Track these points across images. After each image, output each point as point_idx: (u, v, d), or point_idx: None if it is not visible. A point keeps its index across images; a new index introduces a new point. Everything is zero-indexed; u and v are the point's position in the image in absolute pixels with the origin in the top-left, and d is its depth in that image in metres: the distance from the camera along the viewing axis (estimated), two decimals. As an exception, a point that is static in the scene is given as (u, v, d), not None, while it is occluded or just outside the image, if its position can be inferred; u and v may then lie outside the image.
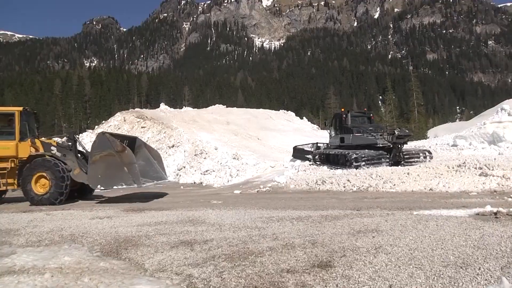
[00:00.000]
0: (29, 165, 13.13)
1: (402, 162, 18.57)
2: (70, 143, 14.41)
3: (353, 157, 17.70)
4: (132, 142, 15.18)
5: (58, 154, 13.71)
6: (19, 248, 6.17)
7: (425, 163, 16.66)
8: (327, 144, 22.70)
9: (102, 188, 13.00)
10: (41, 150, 13.79)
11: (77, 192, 14.89)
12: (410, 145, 22.78)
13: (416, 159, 18.68)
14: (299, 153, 24.29)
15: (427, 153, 19.17)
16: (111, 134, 13.74)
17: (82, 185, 14.06)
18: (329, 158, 20.47)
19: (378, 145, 18.72)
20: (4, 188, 13.87)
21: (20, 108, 14.17)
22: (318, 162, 21.31)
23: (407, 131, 19.73)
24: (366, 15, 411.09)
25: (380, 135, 19.01)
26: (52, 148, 13.97)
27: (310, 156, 22.55)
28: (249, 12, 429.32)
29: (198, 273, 4.52)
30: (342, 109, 22.45)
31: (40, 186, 13.07)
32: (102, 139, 12.91)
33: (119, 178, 12.61)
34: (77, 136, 14.99)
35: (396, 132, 18.42)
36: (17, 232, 7.69)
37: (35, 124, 15.63)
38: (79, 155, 14.20)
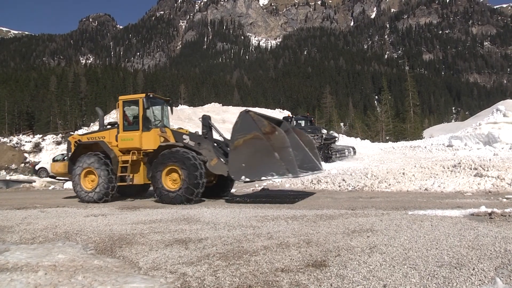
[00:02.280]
0: (158, 157, 11.64)
1: (333, 157, 24.12)
2: (204, 131, 12.60)
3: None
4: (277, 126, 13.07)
5: (191, 143, 12.06)
6: (12, 245, 6.13)
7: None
8: None
9: (246, 179, 10.91)
10: (172, 140, 12.23)
11: (215, 188, 13.04)
12: (342, 144, 28.13)
13: (343, 155, 24.37)
14: None
15: (351, 149, 25.37)
16: (257, 113, 11.09)
17: (220, 179, 12.63)
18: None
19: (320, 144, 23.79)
20: (130, 182, 12.54)
21: (143, 95, 12.65)
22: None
23: (334, 135, 25.99)
24: (363, 15, 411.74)
25: (316, 136, 23.86)
26: (184, 137, 12.36)
27: None
28: (245, 10, 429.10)
29: (192, 271, 4.51)
30: (289, 114, 28.91)
31: (171, 181, 11.42)
32: (246, 119, 10.70)
33: (269, 166, 10.25)
34: (211, 122, 12.82)
35: (324, 135, 24.48)
36: (10, 229, 7.64)
37: (166, 112, 13.96)
38: (215, 144, 12.49)
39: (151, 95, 12.89)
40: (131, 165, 12.43)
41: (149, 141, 12.43)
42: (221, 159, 11.70)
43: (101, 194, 12.24)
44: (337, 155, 24.25)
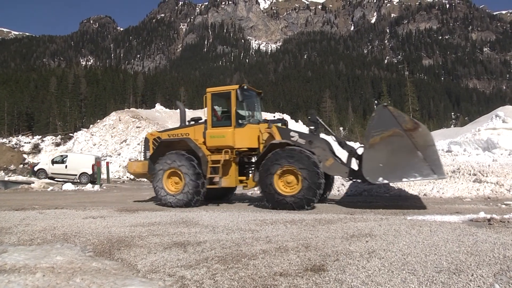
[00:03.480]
0: (269, 157, 10.32)
1: None
2: (313, 127, 11.49)
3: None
4: None
5: (301, 141, 10.83)
6: (10, 246, 6.12)
7: None
8: None
9: (384, 181, 9.97)
10: (278, 138, 10.90)
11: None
12: None
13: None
14: None
15: None
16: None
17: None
18: None
19: None
20: (220, 185, 11.29)
21: (236, 86, 11.38)
22: None
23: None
24: (363, 20, 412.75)
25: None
26: (292, 134, 11.04)
27: None
28: (246, 14, 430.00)
29: (190, 274, 4.50)
30: (265, 117, 30.75)
31: (285, 184, 10.22)
32: (384, 114, 9.83)
33: (411, 166, 9.35)
34: (319, 118, 11.66)
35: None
36: (9, 230, 7.63)
37: (258, 106, 12.82)
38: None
39: (245, 87, 11.80)
40: (216, 166, 11.25)
41: (243, 138, 11.20)
42: (337, 160, 10.81)
43: (188, 197, 11.08)
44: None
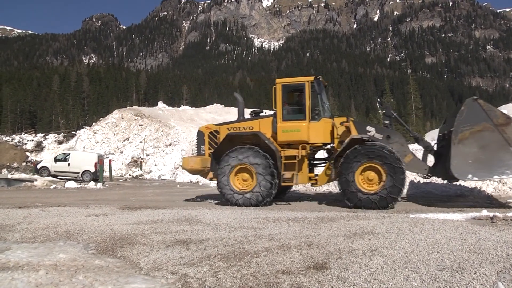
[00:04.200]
0: (349, 153, 9.78)
1: None
2: (387, 122, 10.99)
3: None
4: None
5: (378, 136, 10.28)
6: (13, 244, 6.14)
7: None
8: None
9: (474, 178, 9.56)
10: (354, 133, 10.23)
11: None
12: None
13: None
14: None
15: None
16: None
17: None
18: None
19: None
20: (293, 182, 10.80)
21: (311, 78, 10.81)
22: None
23: None
24: (366, 18, 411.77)
25: None
26: (369, 129, 10.43)
27: None
28: (249, 12, 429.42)
29: (193, 272, 4.50)
30: (255, 110, 32.96)
31: (366, 182, 9.73)
32: (473, 108, 9.40)
33: (503, 163, 8.94)
34: (393, 112, 11.14)
35: None
36: (12, 228, 7.65)
37: (327, 99, 12.10)
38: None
39: (320, 78, 11.17)
40: (292, 162, 10.63)
41: (318, 133, 10.58)
42: (415, 156, 10.42)
43: (260, 196, 10.37)
44: None
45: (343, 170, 9.75)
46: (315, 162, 11.90)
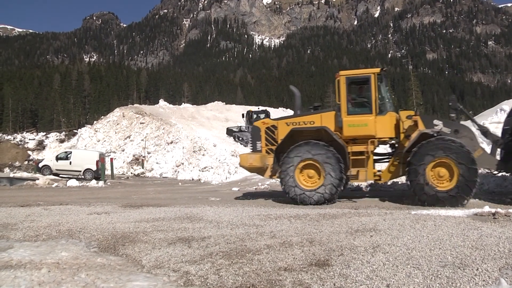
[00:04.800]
0: (420, 148, 9.33)
1: None
2: (453, 115, 10.50)
3: (242, 137, 31.68)
4: None
5: (446, 130, 9.82)
6: (16, 242, 6.15)
7: None
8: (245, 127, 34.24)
9: None
10: (421, 127, 9.85)
11: None
12: None
13: None
14: (229, 133, 35.26)
15: None
16: None
17: None
18: (239, 137, 33.22)
19: None
20: (359, 179, 10.48)
21: (377, 70, 10.47)
22: (238, 139, 32.96)
23: None
24: (367, 14, 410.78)
25: None
26: (436, 122, 9.98)
27: (236, 134, 33.85)
28: (249, 9, 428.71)
29: (195, 270, 4.51)
30: (250, 109, 37.74)
31: (437, 178, 9.25)
32: None
33: None
34: (459, 105, 10.72)
35: None
36: (14, 226, 7.66)
37: (388, 92, 11.39)
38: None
39: (386, 70, 10.74)
40: (360, 158, 10.26)
41: (385, 127, 10.19)
42: (485, 150, 9.96)
43: (327, 193, 9.93)
44: None
45: (414, 165, 9.31)
46: (375, 157, 11.31)
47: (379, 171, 10.65)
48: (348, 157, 10.10)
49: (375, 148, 10.47)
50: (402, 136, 10.16)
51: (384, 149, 11.98)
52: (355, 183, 13.96)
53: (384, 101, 10.57)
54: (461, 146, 9.10)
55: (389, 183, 13.64)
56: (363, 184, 14.01)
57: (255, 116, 34.54)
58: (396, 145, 10.69)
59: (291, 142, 10.36)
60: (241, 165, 11.47)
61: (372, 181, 11.64)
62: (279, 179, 10.64)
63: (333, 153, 9.88)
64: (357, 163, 10.19)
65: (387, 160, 11.00)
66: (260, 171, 11.35)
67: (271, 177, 11.40)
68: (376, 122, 10.08)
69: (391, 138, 10.64)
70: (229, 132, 35.43)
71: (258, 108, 41.55)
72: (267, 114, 35.12)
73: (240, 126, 35.67)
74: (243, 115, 36.62)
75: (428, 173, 9.22)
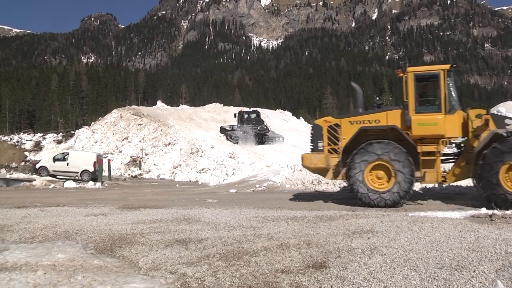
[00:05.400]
0: (491, 150, 8.85)
1: (266, 142, 33.38)
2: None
3: (233, 136, 33.47)
4: None
5: None
6: (12, 244, 6.13)
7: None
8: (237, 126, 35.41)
9: None
10: (492, 127, 9.38)
11: None
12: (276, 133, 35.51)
13: (272, 140, 33.72)
14: (223, 131, 36.11)
15: (281, 137, 34.29)
16: None
17: None
18: (230, 135, 34.07)
19: (255, 133, 33.04)
20: (427, 181, 10.07)
21: (447, 66, 9.95)
22: (229, 138, 33.87)
23: (265, 127, 34.15)
24: (364, 16, 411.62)
25: (260, 126, 33.93)
26: (508, 121, 9.59)
27: (228, 133, 34.76)
28: (247, 11, 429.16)
29: (192, 272, 4.50)
30: (242, 109, 39.11)
31: (509, 179, 8.81)
32: None
33: None
34: None
35: (258, 127, 33.55)
36: (10, 228, 7.63)
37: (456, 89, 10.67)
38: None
39: (455, 67, 10.31)
40: (430, 159, 9.81)
41: (454, 126, 9.75)
42: None
43: (398, 196, 9.49)
44: (270, 141, 33.57)
45: (487, 166, 8.83)
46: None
47: (444, 172, 10.19)
48: (419, 158, 9.73)
49: (442, 149, 10.01)
50: (470, 135, 9.68)
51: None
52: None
53: (452, 99, 10.12)
54: None
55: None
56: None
57: (246, 116, 35.96)
58: (463, 145, 10.31)
59: (359, 141, 9.98)
60: (304, 166, 11.02)
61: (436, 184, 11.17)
62: (342, 180, 10.38)
63: (406, 154, 9.51)
64: (425, 164, 9.80)
65: (452, 160, 10.60)
66: (323, 172, 10.88)
67: (333, 178, 10.99)
68: (446, 121, 9.66)
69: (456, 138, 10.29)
70: (222, 130, 36.20)
71: (249, 109, 42.66)
72: (258, 114, 37.10)
73: (233, 125, 36.28)
74: (235, 114, 37.25)
75: (502, 175, 8.78)
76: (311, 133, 11.25)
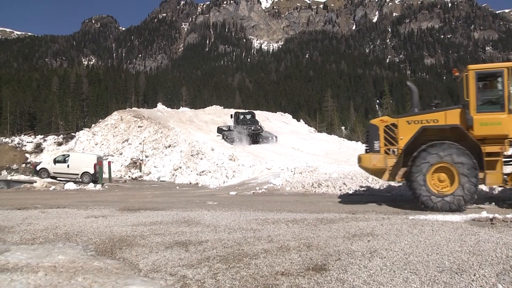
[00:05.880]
0: None
1: (260, 141, 34.46)
2: None
3: (229, 136, 34.41)
4: None
5: None
6: (13, 245, 6.13)
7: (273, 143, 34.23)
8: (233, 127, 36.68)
9: None
10: None
11: None
12: (270, 132, 36.56)
13: (267, 140, 34.63)
14: (220, 131, 36.70)
15: (274, 137, 35.12)
16: None
17: None
18: (226, 135, 34.98)
19: (249, 133, 34.43)
20: (487, 183, 9.69)
21: (510, 64, 9.60)
22: (225, 138, 34.80)
23: (258, 128, 35.30)
24: (365, 19, 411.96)
25: (255, 126, 35.13)
26: None
27: (225, 133, 35.65)
28: (248, 13, 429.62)
29: (192, 274, 4.50)
30: (238, 110, 41.06)
31: None
32: None
33: None
34: None
35: (253, 128, 34.74)
36: (11, 229, 7.64)
37: None
38: None
39: None
40: (494, 160, 9.41)
41: None
42: None
43: (463, 200, 9.09)
44: (264, 140, 34.57)
45: None
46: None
47: (505, 174, 9.71)
48: (482, 159, 9.34)
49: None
50: None
51: None
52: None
53: None
54: None
55: (384, 186, 13.67)
56: (363, 187, 14.02)
57: (242, 116, 37.38)
58: None
59: (416, 141, 9.71)
60: (363, 166, 10.63)
61: (497, 186, 10.89)
62: (400, 182, 10.06)
63: (469, 156, 9.16)
64: (491, 165, 9.42)
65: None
66: (380, 173, 10.49)
67: (389, 180, 10.69)
68: (510, 120, 9.30)
69: None
70: (219, 130, 37.07)
71: (245, 110, 44.22)
72: (253, 115, 38.32)
73: (229, 126, 37.39)
74: (231, 115, 38.46)
75: None
76: (366, 133, 10.93)
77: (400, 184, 13.28)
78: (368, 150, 10.66)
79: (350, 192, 13.96)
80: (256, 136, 34.67)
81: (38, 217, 9.31)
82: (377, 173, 10.63)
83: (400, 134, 10.16)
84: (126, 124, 41.36)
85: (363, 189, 13.91)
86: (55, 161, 26.80)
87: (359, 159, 10.61)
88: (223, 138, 35.26)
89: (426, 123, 9.82)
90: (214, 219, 8.45)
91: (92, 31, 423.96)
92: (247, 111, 42.22)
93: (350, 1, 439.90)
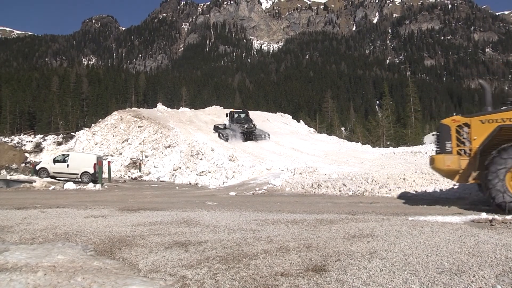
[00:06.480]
0: None
1: (253, 139, 35.33)
2: None
3: (224, 134, 35.48)
4: None
5: None
6: (12, 245, 6.12)
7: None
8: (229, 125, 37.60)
9: None
10: None
11: None
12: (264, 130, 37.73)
13: (260, 137, 35.60)
14: (216, 129, 37.81)
15: (267, 135, 36.43)
16: None
17: None
18: (222, 133, 36.00)
19: (242, 130, 35.57)
20: None
21: None
22: (220, 135, 35.99)
23: (252, 126, 36.50)
24: (365, 20, 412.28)
25: (248, 124, 36.31)
26: None
27: (220, 131, 36.78)
28: (248, 14, 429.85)
29: (192, 274, 4.50)
30: (233, 109, 41.98)
31: None
32: None
33: None
34: None
35: (246, 126, 35.97)
36: (10, 229, 7.63)
37: None
38: None
39: None
40: None
41: None
42: None
43: None
44: (257, 138, 35.64)
45: None
46: None
47: None
48: None
49: None
50: None
51: None
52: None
53: None
54: None
55: (384, 188, 13.65)
56: (361, 189, 14.01)
57: (236, 115, 38.72)
58: None
59: (492, 141, 9.18)
60: (436, 167, 10.09)
61: None
62: (475, 184, 9.68)
63: None
64: None
65: None
66: (453, 174, 9.97)
67: (462, 182, 10.14)
68: None
69: None
70: (216, 128, 38.23)
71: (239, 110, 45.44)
72: (247, 114, 39.82)
73: (225, 124, 38.25)
74: (226, 114, 39.48)
75: None
76: (437, 134, 10.49)
77: (400, 185, 13.30)
78: (439, 151, 10.19)
79: (350, 193, 13.96)
80: (249, 134, 36.01)
81: (38, 216, 9.31)
82: (450, 174, 10.18)
83: (473, 134, 9.65)
84: (126, 124, 41.36)
85: (362, 189, 13.90)
86: (55, 161, 26.80)
87: (432, 160, 10.17)
88: (218, 135, 36.25)
89: (502, 122, 9.19)
90: (213, 219, 8.45)
91: (92, 31, 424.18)
92: (241, 110, 43.43)
93: (350, 2, 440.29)
